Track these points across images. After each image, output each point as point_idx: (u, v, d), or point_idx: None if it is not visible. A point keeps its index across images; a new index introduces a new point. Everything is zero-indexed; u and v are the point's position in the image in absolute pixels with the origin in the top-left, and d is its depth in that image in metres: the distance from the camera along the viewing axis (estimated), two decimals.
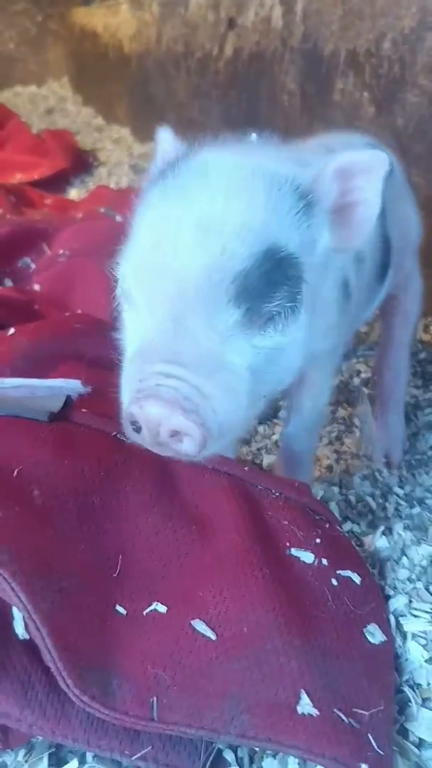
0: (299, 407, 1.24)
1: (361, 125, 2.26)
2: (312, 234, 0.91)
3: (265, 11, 2.87)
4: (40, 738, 0.86)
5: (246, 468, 1.10)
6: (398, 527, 1.23)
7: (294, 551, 1.00)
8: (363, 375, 1.90)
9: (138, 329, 0.87)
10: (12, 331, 1.45)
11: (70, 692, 0.79)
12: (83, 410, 1.11)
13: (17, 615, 0.85)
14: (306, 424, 1.25)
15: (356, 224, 0.95)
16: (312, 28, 2.55)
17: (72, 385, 1.14)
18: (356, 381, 1.87)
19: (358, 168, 0.93)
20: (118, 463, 1.02)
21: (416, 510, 1.32)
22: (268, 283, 0.83)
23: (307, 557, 1.00)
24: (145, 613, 0.90)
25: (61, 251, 2.15)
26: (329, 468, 1.51)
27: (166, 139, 1.02)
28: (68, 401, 1.10)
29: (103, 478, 1.00)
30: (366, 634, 0.95)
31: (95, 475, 0.99)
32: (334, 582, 0.99)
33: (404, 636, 0.98)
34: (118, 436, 1.06)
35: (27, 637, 0.84)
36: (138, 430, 0.81)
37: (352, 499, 1.37)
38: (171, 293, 0.82)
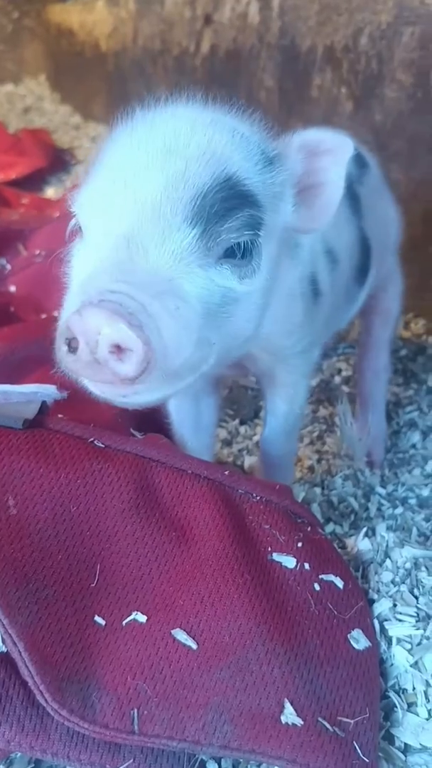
0: (274, 410, 1.22)
1: (339, 121, 2.25)
2: (274, 191, 0.90)
3: (242, 7, 2.85)
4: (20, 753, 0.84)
5: (226, 472, 1.08)
6: (381, 528, 1.21)
7: (276, 556, 0.99)
8: (344, 373, 1.89)
9: (88, 261, 0.83)
10: None
11: (49, 707, 0.77)
12: (59, 416, 1.09)
13: None
14: (283, 427, 1.23)
15: (320, 206, 0.95)
16: (289, 23, 2.54)
17: (48, 391, 1.11)
18: (337, 379, 1.87)
19: (323, 148, 0.92)
20: (96, 470, 0.99)
21: (399, 510, 1.31)
22: (224, 208, 0.82)
23: (289, 562, 0.98)
24: (124, 623, 0.88)
25: (37, 252, 2.12)
26: (311, 468, 1.50)
27: None
28: (44, 407, 1.08)
29: (80, 486, 0.97)
30: (350, 640, 0.94)
31: (72, 483, 0.97)
32: (317, 587, 0.97)
33: (389, 641, 0.97)
34: (95, 442, 1.04)
35: (4, 649, 0.82)
36: (74, 349, 0.74)
37: (334, 500, 1.36)
38: (128, 212, 0.80)
